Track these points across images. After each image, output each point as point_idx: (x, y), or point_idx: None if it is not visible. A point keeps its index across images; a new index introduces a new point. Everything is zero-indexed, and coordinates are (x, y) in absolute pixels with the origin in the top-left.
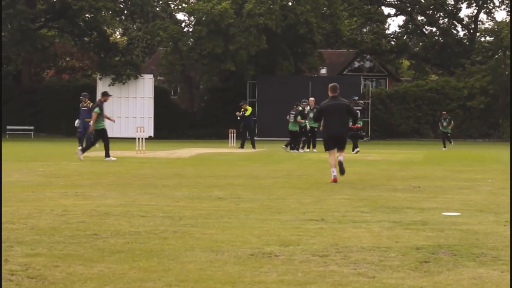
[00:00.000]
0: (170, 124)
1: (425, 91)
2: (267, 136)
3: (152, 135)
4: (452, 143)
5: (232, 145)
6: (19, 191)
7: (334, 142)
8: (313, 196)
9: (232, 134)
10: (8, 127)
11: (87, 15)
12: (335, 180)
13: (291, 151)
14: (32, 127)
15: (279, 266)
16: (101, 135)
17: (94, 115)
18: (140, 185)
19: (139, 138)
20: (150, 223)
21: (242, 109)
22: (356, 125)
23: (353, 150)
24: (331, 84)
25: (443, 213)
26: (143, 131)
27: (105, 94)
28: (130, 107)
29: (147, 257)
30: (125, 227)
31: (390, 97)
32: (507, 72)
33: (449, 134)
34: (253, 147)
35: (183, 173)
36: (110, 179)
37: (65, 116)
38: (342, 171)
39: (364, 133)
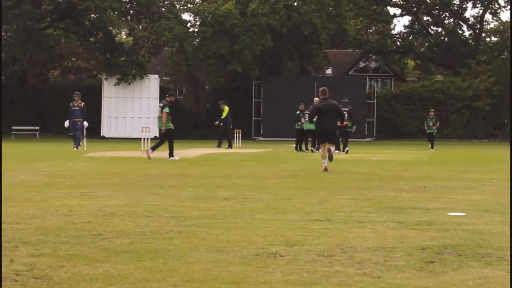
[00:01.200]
0: (176, 124)
1: (431, 92)
2: (272, 136)
3: (157, 135)
4: (433, 149)
5: (237, 145)
6: (25, 191)
7: (325, 136)
8: (318, 196)
9: (237, 134)
10: (14, 127)
11: (92, 15)
12: (325, 169)
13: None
14: (37, 127)
15: (284, 266)
16: (168, 135)
17: (164, 114)
18: (145, 185)
19: (144, 138)
20: (155, 223)
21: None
22: (344, 123)
23: (343, 150)
24: (321, 88)
25: (448, 213)
26: (149, 131)
27: (172, 94)
28: (135, 107)
29: (152, 257)
30: (130, 227)
31: (395, 97)
32: None
33: (434, 134)
34: (219, 145)
35: (189, 173)
36: (116, 179)
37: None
38: (330, 158)
39: (351, 130)
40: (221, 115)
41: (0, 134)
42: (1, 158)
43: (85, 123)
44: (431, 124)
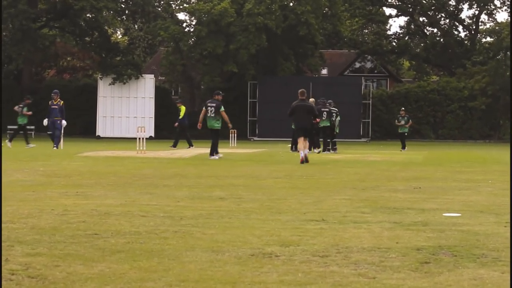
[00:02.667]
0: (171, 124)
1: (426, 92)
2: (268, 136)
3: (152, 135)
4: (405, 149)
5: (233, 145)
6: (20, 190)
7: (302, 132)
8: (313, 196)
9: (233, 135)
10: (9, 126)
11: (88, 15)
12: (302, 161)
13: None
14: (33, 127)
15: (279, 266)
16: (216, 134)
17: (223, 113)
18: (140, 185)
19: (139, 138)
20: (150, 223)
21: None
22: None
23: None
24: (300, 90)
25: (443, 214)
26: (144, 131)
27: (218, 93)
28: (131, 107)
29: (147, 257)
30: (126, 227)
31: (391, 98)
32: (508, 73)
33: (406, 134)
34: (174, 145)
35: (184, 173)
36: (111, 179)
37: (66, 116)
38: (306, 161)
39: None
40: (178, 115)
41: (0, 134)
42: (1, 157)
43: (64, 122)
44: (403, 122)
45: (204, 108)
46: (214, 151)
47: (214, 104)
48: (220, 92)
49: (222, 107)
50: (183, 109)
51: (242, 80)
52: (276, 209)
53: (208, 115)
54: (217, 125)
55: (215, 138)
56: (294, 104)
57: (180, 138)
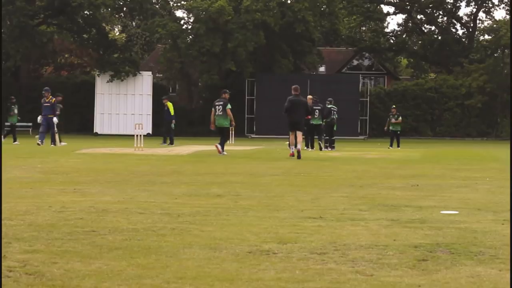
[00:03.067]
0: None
1: (424, 90)
2: (266, 133)
3: (150, 132)
4: (399, 146)
5: (230, 142)
6: (18, 187)
7: (294, 126)
8: (311, 193)
9: (230, 132)
10: (7, 123)
11: (86, 12)
12: (292, 155)
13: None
14: (30, 124)
15: (277, 263)
16: (224, 132)
17: (229, 111)
18: (138, 182)
19: (137, 135)
20: (148, 220)
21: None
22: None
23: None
24: (294, 86)
25: (441, 212)
26: (142, 128)
27: (226, 92)
28: (128, 104)
29: (145, 254)
30: (123, 224)
31: (389, 96)
32: (506, 71)
33: (399, 132)
34: (169, 142)
35: (182, 170)
36: (108, 176)
37: (64, 112)
38: (299, 157)
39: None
40: (169, 113)
41: (0, 131)
42: (0, 156)
43: (55, 119)
44: (393, 120)
45: (212, 108)
46: (223, 147)
47: (221, 103)
48: (227, 91)
49: (229, 104)
50: (171, 105)
51: (240, 77)
52: (274, 207)
53: (216, 113)
54: (226, 123)
55: (224, 136)
56: (289, 99)
57: (171, 134)
